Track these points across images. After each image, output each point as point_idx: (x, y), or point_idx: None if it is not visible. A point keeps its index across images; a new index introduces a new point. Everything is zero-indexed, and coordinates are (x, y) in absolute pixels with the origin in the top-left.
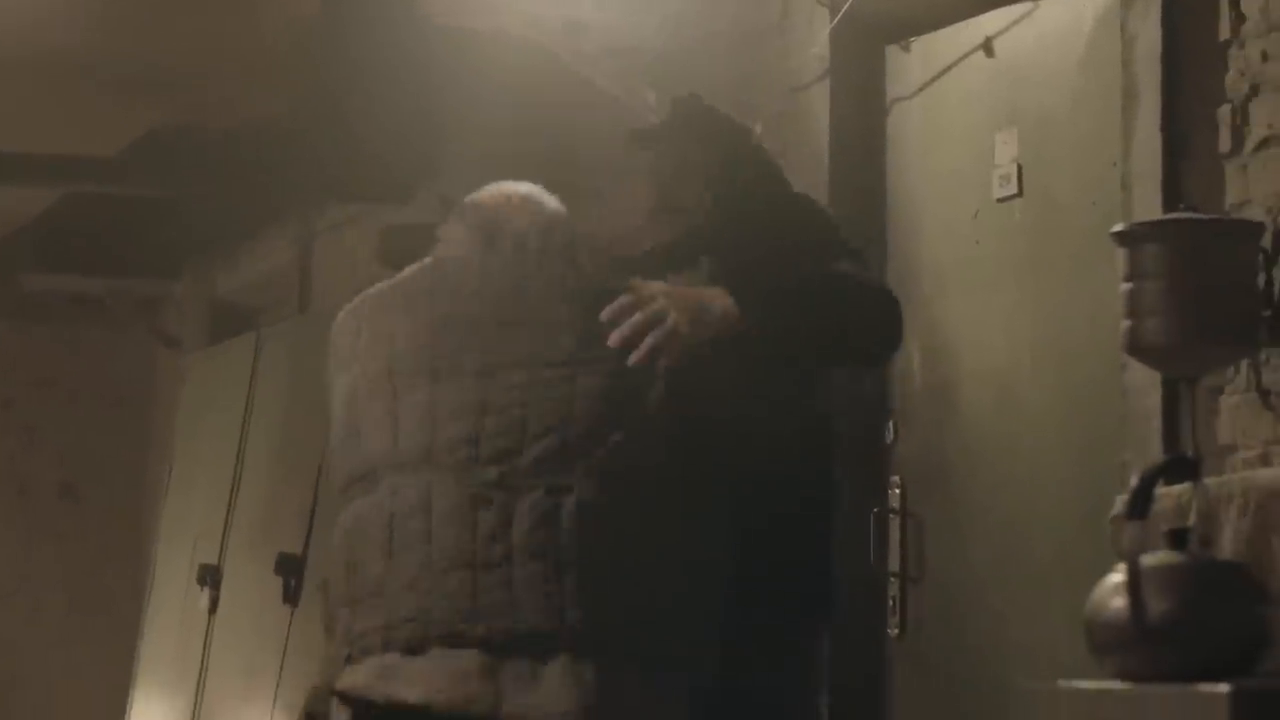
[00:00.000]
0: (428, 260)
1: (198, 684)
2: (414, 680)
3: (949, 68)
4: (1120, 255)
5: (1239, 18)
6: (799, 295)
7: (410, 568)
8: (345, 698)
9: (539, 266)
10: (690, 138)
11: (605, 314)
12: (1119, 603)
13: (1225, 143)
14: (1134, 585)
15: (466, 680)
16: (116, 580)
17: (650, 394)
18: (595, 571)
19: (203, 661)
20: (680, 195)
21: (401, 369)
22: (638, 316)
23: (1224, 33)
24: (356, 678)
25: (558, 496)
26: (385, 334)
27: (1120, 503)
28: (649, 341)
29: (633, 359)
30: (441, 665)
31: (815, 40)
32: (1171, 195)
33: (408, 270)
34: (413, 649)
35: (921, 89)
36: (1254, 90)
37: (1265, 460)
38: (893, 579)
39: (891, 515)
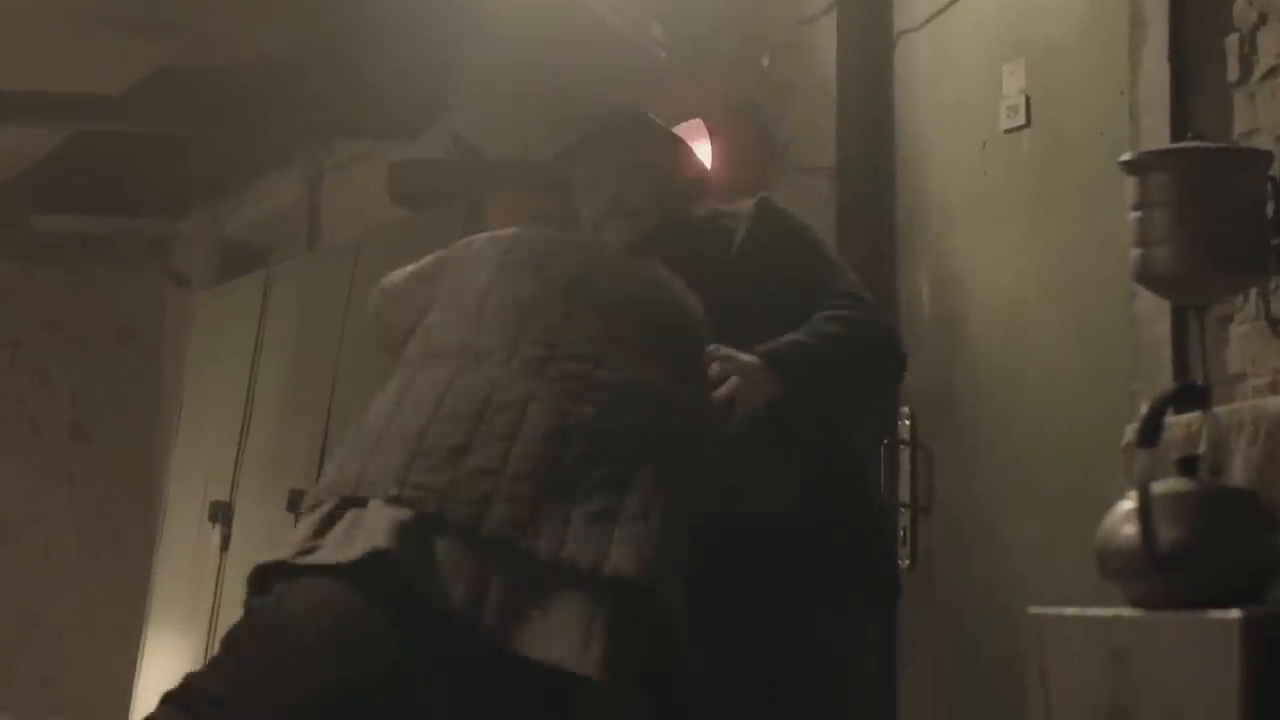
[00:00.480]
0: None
1: (210, 621)
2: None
3: None
4: (1129, 184)
5: None
6: (825, 364)
7: (489, 458)
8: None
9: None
10: (635, 141)
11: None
12: (1130, 530)
13: (1233, 72)
14: (1145, 512)
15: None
16: (128, 520)
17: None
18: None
19: (215, 598)
20: (631, 198)
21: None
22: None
23: None
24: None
25: (634, 466)
26: (516, 267)
27: (1130, 432)
28: (734, 383)
29: (719, 393)
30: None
31: None
32: (1180, 124)
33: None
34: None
35: (928, 21)
36: (1262, 19)
37: (1275, 389)
38: (903, 510)
39: (902, 446)
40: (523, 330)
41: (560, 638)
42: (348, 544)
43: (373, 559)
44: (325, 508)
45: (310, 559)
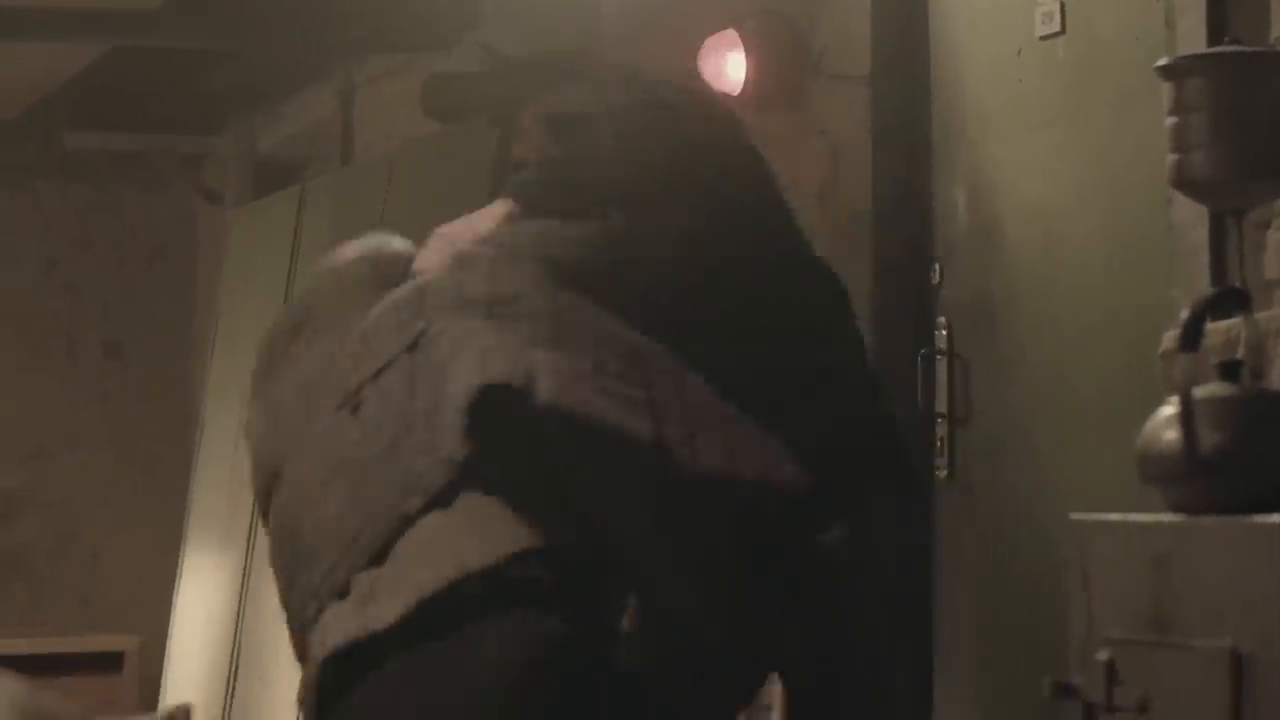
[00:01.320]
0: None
1: (248, 538)
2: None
3: None
4: (1165, 90)
5: None
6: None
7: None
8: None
9: None
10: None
11: None
12: (1172, 435)
13: None
14: (1187, 417)
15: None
16: (164, 438)
17: None
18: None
19: (253, 515)
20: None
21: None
22: None
23: None
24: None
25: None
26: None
27: (1169, 338)
28: None
29: None
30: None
31: None
32: (1216, 29)
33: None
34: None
35: None
36: None
37: None
38: (940, 420)
39: (938, 357)
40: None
41: None
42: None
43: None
44: None
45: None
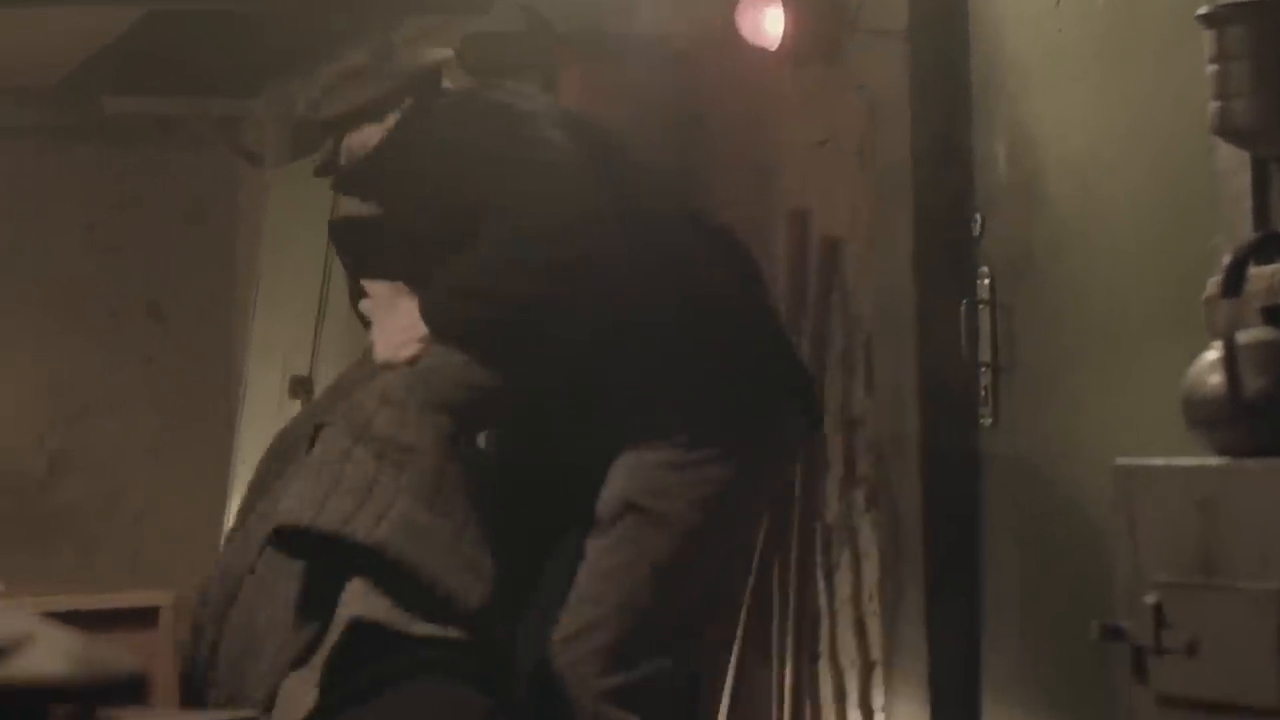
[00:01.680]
0: None
1: None
2: None
3: None
4: (1206, 38)
5: None
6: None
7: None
8: None
9: None
10: None
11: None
12: (1216, 379)
13: None
14: (1230, 362)
15: None
16: (207, 398)
17: None
18: None
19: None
20: None
21: None
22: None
23: None
24: None
25: None
26: None
27: (1212, 284)
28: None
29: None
30: None
31: None
32: None
33: None
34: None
35: None
36: None
37: None
38: (984, 368)
39: (981, 306)
40: None
41: None
42: None
43: None
44: None
45: None
